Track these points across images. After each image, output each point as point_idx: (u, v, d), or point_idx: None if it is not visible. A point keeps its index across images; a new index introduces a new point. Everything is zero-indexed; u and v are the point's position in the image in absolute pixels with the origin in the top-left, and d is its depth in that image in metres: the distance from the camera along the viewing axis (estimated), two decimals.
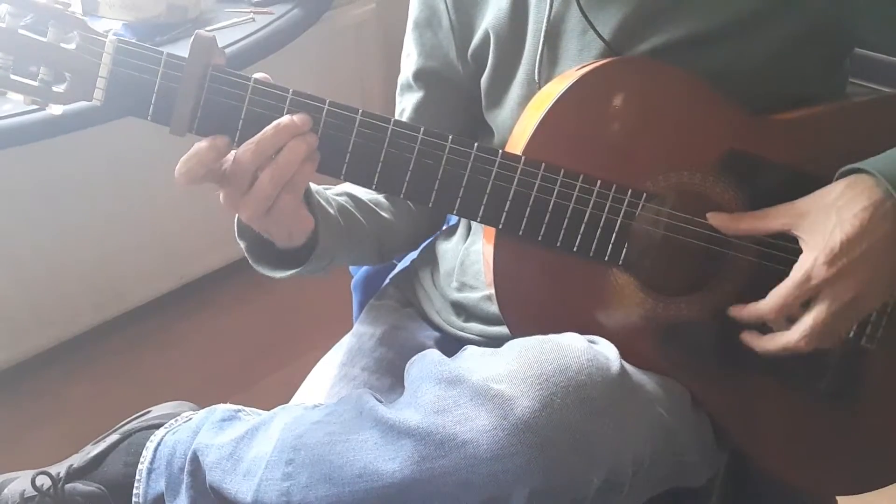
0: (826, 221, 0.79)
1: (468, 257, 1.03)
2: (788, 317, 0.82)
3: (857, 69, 0.97)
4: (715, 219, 0.85)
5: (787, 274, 0.81)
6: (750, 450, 0.92)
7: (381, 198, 1.03)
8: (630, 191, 0.84)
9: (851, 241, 0.77)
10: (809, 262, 0.78)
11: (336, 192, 0.98)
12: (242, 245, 0.89)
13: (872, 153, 0.82)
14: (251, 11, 1.95)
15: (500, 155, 0.82)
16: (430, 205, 0.83)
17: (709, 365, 0.89)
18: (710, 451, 0.92)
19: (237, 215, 0.86)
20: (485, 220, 0.85)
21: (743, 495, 1.00)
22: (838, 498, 1.04)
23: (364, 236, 0.98)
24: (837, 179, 0.82)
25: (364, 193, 1.01)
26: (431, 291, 1.06)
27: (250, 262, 0.90)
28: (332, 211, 0.92)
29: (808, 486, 0.96)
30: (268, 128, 0.77)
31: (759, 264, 0.86)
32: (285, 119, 0.77)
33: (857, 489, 0.95)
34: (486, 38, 0.97)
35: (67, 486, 0.90)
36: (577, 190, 0.83)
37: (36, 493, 0.90)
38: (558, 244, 0.85)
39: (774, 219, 0.83)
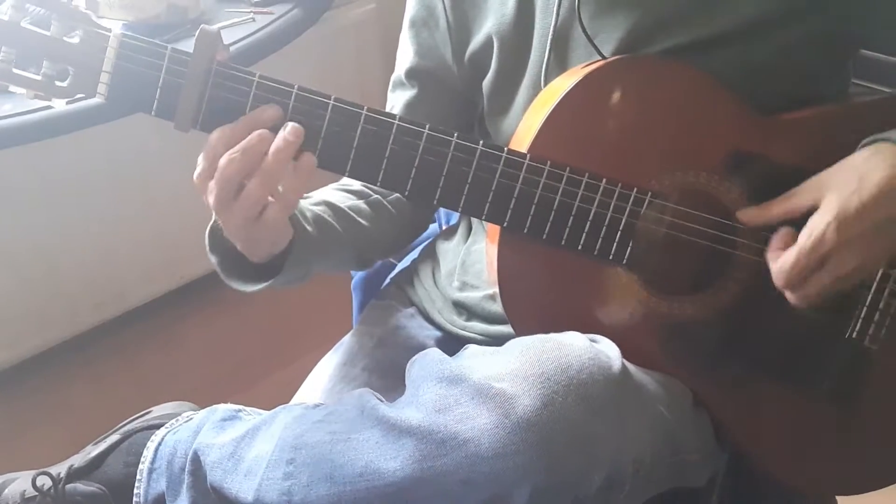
0: (847, 185, 0.78)
1: (469, 257, 1.03)
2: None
3: (861, 70, 0.97)
4: (744, 215, 0.84)
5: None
6: (751, 449, 0.92)
7: (361, 204, 1.01)
8: (635, 189, 0.84)
9: (868, 209, 0.76)
10: (821, 227, 0.77)
11: (313, 202, 0.97)
12: (214, 260, 0.89)
13: None
14: (251, 11, 1.95)
15: (505, 152, 0.82)
16: (435, 202, 0.83)
17: (711, 365, 0.89)
18: (711, 451, 0.92)
19: (209, 229, 0.87)
20: (489, 218, 0.84)
21: (743, 495, 1.00)
22: (838, 498, 1.04)
23: (340, 245, 0.97)
24: (861, 149, 0.81)
25: (343, 201, 1.00)
26: (433, 291, 1.06)
27: (222, 277, 0.90)
28: (307, 225, 0.91)
29: (809, 487, 0.96)
30: (252, 135, 0.77)
31: (762, 264, 0.86)
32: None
33: (858, 489, 0.95)
34: (487, 42, 0.96)
35: (68, 486, 0.90)
36: (582, 188, 0.83)
37: (36, 494, 0.90)
38: (563, 243, 0.85)
39: (801, 197, 0.81)
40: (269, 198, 0.79)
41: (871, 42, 0.92)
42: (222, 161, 0.77)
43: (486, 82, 0.98)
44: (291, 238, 0.86)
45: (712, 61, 0.86)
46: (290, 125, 0.78)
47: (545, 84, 0.92)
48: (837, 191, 0.78)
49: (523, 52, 0.95)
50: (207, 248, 0.89)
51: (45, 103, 0.79)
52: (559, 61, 0.92)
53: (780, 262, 0.80)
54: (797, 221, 0.82)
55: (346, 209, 0.99)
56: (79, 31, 0.77)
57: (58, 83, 0.78)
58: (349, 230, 0.97)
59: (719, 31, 0.86)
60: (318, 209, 0.95)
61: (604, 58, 0.88)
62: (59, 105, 0.79)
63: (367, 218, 1.01)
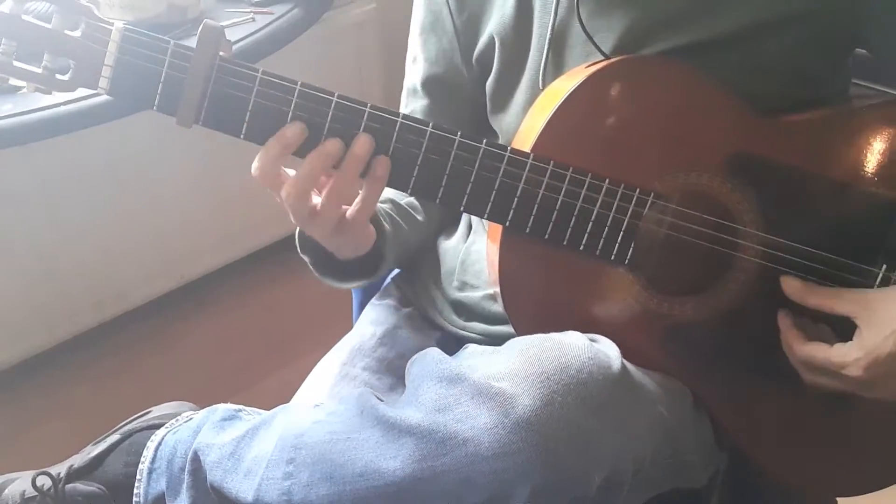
0: (886, 326, 0.80)
1: (469, 256, 1.03)
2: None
3: (861, 70, 0.97)
4: (788, 284, 0.86)
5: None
6: (750, 450, 0.92)
7: (413, 200, 1.05)
8: (637, 190, 0.84)
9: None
10: (851, 358, 0.80)
11: (380, 200, 0.99)
12: (307, 259, 0.94)
13: (881, 156, 0.82)
14: (251, 11, 1.95)
15: (508, 151, 0.82)
16: (437, 201, 0.83)
17: (711, 365, 0.89)
18: (710, 451, 0.92)
19: (297, 233, 0.92)
20: (492, 217, 0.84)
21: (743, 495, 1.00)
22: (838, 498, 1.04)
23: (408, 242, 1.01)
24: None
25: (401, 197, 1.03)
26: (432, 291, 1.06)
27: (316, 275, 0.95)
28: (385, 224, 0.95)
29: (808, 487, 0.96)
30: (310, 155, 0.79)
31: (764, 266, 0.86)
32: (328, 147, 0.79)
33: (857, 490, 0.95)
34: (490, 42, 0.96)
35: (68, 486, 0.90)
36: (584, 188, 0.83)
37: (36, 494, 0.90)
38: (564, 243, 0.85)
39: (844, 303, 0.83)
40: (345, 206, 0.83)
41: (871, 44, 0.92)
42: (283, 194, 0.80)
43: (489, 81, 0.99)
44: (383, 241, 0.91)
45: (711, 62, 0.86)
46: (362, 138, 0.79)
47: (543, 83, 0.92)
48: (877, 329, 0.80)
49: (522, 51, 0.95)
50: (298, 248, 0.93)
51: (46, 103, 0.79)
52: (557, 60, 0.92)
53: (805, 348, 0.84)
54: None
55: (405, 205, 1.03)
56: (81, 24, 0.76)
57: (59, 76, 0.77)
58: (411, 227, 1.01)
59: (718, 33, 0.86)
60: (386, 206, 0.99)
61: (605, 56, 0.88)
62: (61, 98, 0.78)
63: (420, 213, 1.04)
